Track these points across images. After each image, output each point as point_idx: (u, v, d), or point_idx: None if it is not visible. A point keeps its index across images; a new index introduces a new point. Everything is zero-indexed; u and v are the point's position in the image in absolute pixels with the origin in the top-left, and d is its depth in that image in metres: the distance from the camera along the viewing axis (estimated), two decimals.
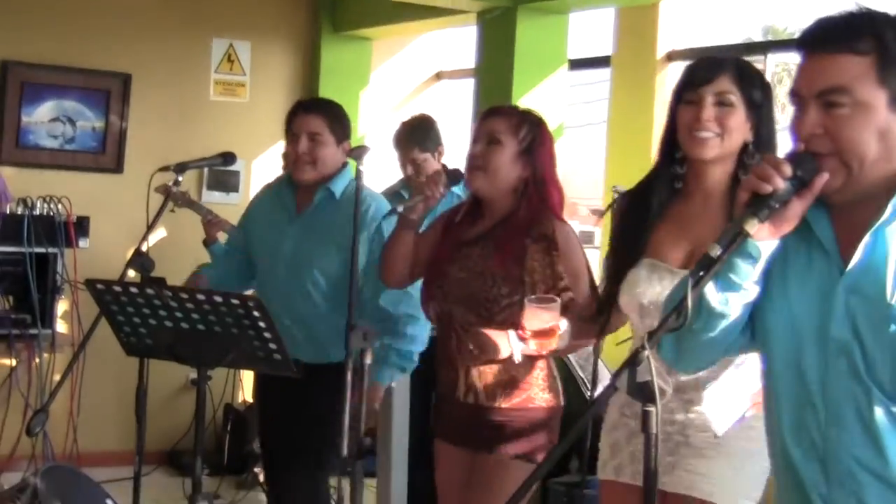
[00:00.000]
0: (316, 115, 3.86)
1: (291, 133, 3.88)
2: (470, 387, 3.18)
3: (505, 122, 3.19)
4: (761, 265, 1.82)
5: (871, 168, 1.76)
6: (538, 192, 3.18)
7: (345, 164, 3.91)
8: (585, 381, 4.76)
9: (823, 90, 1.76)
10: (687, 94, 2.56)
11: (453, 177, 3.36)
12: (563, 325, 2.87)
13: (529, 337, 2.79)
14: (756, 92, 2.55)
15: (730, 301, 1.85)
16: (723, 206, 2.54)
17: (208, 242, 5.47)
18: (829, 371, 1.81)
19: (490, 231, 3.21)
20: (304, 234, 3.90)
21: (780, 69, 7.93)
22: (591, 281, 3.16)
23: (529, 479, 1.87)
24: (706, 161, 2.56)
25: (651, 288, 2.57)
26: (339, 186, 3.86)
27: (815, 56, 1.78)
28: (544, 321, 2.76)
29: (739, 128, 2.54)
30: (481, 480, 3.14)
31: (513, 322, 3.04)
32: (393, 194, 4.89)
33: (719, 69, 2.55)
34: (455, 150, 4.97)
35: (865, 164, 1.75)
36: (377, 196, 3.93)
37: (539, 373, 3.15)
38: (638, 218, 2.64)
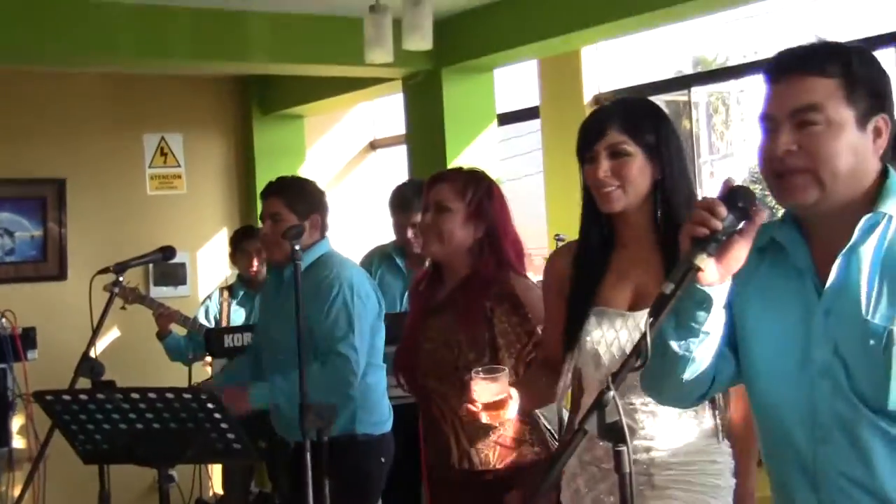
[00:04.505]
0: (273, 197, 3.90)
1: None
2: (463, 453, 3.15)
3: (449, 187, 3.20)
4: (717, 308, 1.84)
5: (843, 185, 1.83)
6: (493, 251, 3.18)
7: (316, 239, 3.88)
8: (552, 431, 4.71)
9: (797, 109, 1.83)
10: (584, 153, 2.59)
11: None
12: (514, 394, 2.79)
13: (480, 410, 2.63)
14: (649, 135, 2.55)
15: (691, 346, 1.87)
16: (654, 246, 2.56)
17: (162, 335, 5.44)
18: (815, 392, 1.85)
19: (450, 296, 3.22)
20: (268, 314, 4.02)
21: (715, 98, 8.01)
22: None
23: None
24: (618, 213, 2.58)
25: (604, 334, 2.57)
26: (306, 260, 3.75)
27: (785, 80, 1.85)
28: (493, 393, 2.69)
29: (641, 173, 2.55)
30: None
31: None
32: (384, 255, 4.91)
33: (607, 122, 2.55)
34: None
35: (838, 180, 1.82)
36: (344, 266, 3.88)
37: (525, 427, 3.12)
38: (581, 274, 2.65)
